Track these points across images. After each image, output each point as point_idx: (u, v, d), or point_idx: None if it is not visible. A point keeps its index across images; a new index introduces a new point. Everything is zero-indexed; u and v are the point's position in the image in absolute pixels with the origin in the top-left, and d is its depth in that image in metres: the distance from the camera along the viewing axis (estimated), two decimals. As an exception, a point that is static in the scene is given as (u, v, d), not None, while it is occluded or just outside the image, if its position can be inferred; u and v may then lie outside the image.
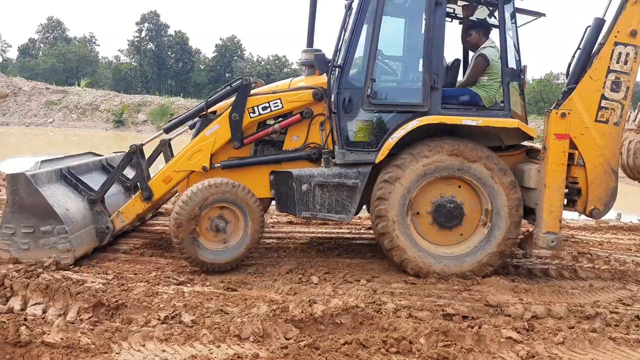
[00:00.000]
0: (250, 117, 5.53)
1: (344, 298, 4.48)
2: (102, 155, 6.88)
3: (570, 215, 8.47)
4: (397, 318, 4.10)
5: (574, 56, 5.25)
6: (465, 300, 4.61)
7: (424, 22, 5.06)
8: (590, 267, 5.72)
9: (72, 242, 5.14)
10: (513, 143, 5.49)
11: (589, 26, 5.18)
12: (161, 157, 6.06)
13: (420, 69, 5.10)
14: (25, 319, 3.91)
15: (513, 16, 5.31)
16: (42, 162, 5.69)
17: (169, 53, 61.11)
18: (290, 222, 7.47)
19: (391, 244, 5.15)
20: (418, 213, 5.24)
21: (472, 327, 3.97)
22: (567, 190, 5.11)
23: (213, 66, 61.62)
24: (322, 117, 5.48)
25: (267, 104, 5.50)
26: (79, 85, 39.10)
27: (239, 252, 5.28)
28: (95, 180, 5.97)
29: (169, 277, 4.95)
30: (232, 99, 5.60)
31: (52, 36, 68.36)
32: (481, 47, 5.49)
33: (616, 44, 4.92)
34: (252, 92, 5.60)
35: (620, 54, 4.91)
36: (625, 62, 4.92)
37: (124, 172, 6.17)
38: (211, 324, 3.88)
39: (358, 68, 5.36)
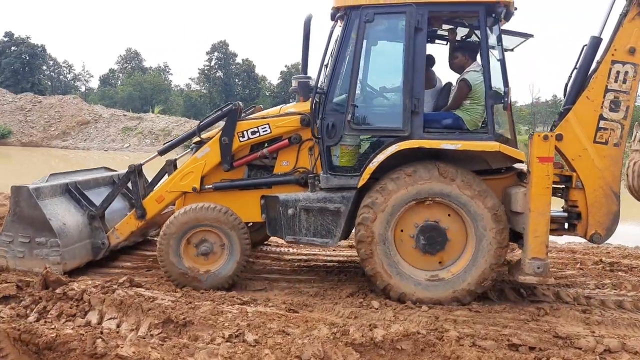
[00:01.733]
0: (240, 141, 5.66)
1: (405, 324, 4.44)
2: (115, 171, 7.27)
3: (649, 244, 7.96)
4: (460, 346, 4.01)
5: (570, 76, 5.12)
6: (533, 330, 4.44)
7: (404, 47, 5.08)
8: (671, 301, 5.36)
9: (63, 256, 5.47)
10: (501, 166, 5.34)
11: (586, 45, 5.04)
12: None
13: (402, 93, 5.12)
14: (102, 332, 4.14)
15: (499, 38, 5.17)
16: (51, 175, 6.12)
17: (237, 80, 63.44)
18: (351, 246, 7.49)
19: (373, 270, 5.09)
20: (402, 239, 5.15)
21: (540, 359, 3.83)
22: (566, 214, 5.03)
23: (278, 92, 63.22)
24: (311, 142, 5.52)
25: (256, 129, 5.63)
26: (153, 112, 41.29)
27: (234, 265, 5.44)
28: (102, 195, 6.29)
29: (233, 297, 5.09)
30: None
31: (130, 66, 72.80)
32: (465, 70, 5.42)
33: (614, 62, 4.77)
34: (249, 116, 5.84)
35: (618, 72, 4.77)
36: (624, 81, 4.76)
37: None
38: (273, 344, 3.96)
39: (341, 93, 5.38)
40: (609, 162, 4.83)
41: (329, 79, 5.29)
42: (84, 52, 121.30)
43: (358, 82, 5.25)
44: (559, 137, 4.86)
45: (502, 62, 5.13)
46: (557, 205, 5.17)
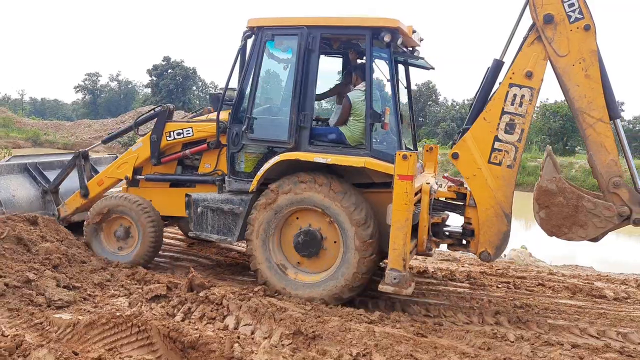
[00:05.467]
0: (167, 140, 6.41)
1: (544, 361, 4.11)
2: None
3: None
4: (610, 394, 3.62)
5: (475, 97, 5.23)
6: (702, 385, 3.86)
7: (295, 66, 5.46)
8: None
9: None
10: (383, 181, 5.33)
11: (489, 67, 5.15)
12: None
13: (290, 108, 5.50)
14: (238, 337, 4.38)
15: (389, 60, 5.44)
16: (13, 157, 7.26)
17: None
18: (483, 273, 7.15)
19: (254, 266, 5.62)
20: (286, 241, 5.57)
21: None
22: (461, 230, 5.29)
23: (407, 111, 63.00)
24: None
25: (181, 131, 6.36)
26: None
27: (141, 250, 6.21)
28: (69, 176, 7.16)
29: (360, 315, 5.10)
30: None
31: (267, 86, 77.40)
32: (352, 89, 5.74)
33: (511, 85, 4.91)
34: (181, 119, 6.63)
35: (515, 95, 4.89)
36: (521, 104, 4.89)
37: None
38: (401, 368, 3.89)
39: (244, 106, 5.84)
40: (502, 183, 4.98)
41: (238, 92, 5.86)
42: (219, 70, 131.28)
43: (256, 96, 5.76)
44: (455, 156, 5.10)
45: (392, 84, 5.53)
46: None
